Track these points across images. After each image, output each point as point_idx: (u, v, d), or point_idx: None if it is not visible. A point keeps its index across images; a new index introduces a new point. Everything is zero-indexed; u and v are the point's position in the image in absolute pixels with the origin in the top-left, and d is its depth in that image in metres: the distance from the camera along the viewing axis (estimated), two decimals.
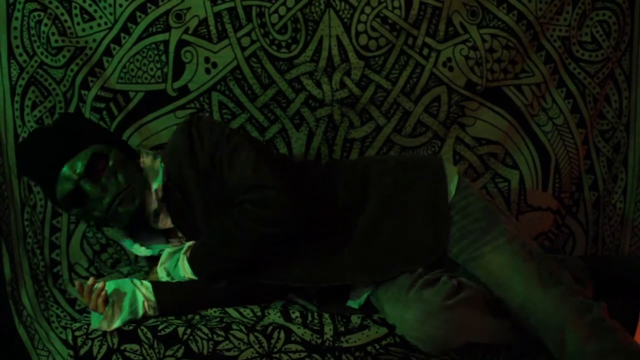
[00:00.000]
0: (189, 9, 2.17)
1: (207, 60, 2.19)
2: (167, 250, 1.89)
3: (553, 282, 1.69)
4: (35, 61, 2.20)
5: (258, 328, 1.78)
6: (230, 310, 1.83)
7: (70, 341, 1.78)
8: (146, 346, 1.76)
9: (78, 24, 2.17)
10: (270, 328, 1.78)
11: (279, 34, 2.18)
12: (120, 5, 2.16)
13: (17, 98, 2.23)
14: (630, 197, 2.39)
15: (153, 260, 1.96)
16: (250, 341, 1.77)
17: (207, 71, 2.20)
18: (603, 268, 2.02)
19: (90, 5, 2.16)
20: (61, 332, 2.33)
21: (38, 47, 2.18)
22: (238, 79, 2.21)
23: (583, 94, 2.30)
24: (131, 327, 1.76)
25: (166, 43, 2.18)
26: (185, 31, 2.18)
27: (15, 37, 2.19)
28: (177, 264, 1.85)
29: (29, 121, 2.23)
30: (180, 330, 1.76)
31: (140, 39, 2.18)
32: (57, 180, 1.79)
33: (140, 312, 1.78)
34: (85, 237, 2.34)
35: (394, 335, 1.76)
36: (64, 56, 2.18)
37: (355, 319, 1.81)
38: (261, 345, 1.77)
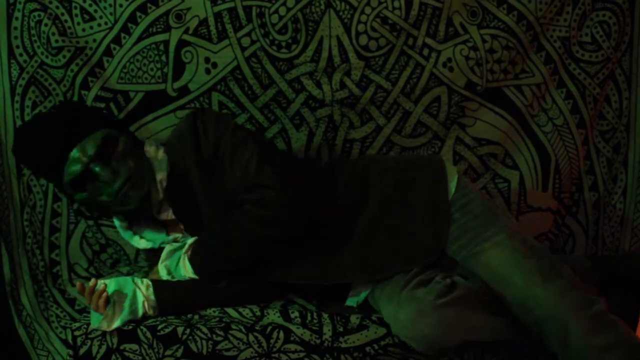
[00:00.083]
0: (189, 9, 2.17)
1: (207, 60, 2.19)
2: (168, 247, 1.89)
3: (554, 276, 1.69)
4: (36, 61, 2.20)
5: (257, 328, 1.78)
6: (230, 310, 1.83)
7: (70, 341, 1.78)
8: (145, 346, 1.76)
9: (78, 24, 2.17)
10: (269, 328, 1.78)
11: (279, 34, 2.18)
12: (121, 5, 2.16)
13: (17, 98, 2.23)
14: (630, 197, 2.39)
15: (153, 256, 1.96)
16: (250, 341, 1.77)
17: (207, 71, 2.20)
18: (603, 265, 2.02)
19: (90, 5, 2.16)
20: (61, 332, 2.33)
21: (38, 47, 2.18)
22: (238, 79, 2.21)
23: (583, 95, 2.30)
24: (130, 327, 1.76)
25: (166, 43, 2.18)
26: (186, 31, 2.18)
27: (16, 37, 2.19)
28: (178, 263, 1.86)
29: None
30: (180, 330, 1.76)
31: (140, 39, 2.18)
32: (65, 162, 1.76)
33: (140, 312, 1.78)
34: (84, 238, 2.34)
35: (392, 336, 1.76)
36: (64, 56, 2.18)
37: (354, 319, 1.81)
38: (260, 345, 1.77)
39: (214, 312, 1.83)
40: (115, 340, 1.76)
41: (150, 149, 1.88)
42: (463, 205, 1.83)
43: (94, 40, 2.18)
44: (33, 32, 2.17)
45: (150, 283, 1.80)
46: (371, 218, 1.85)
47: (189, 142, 1.83)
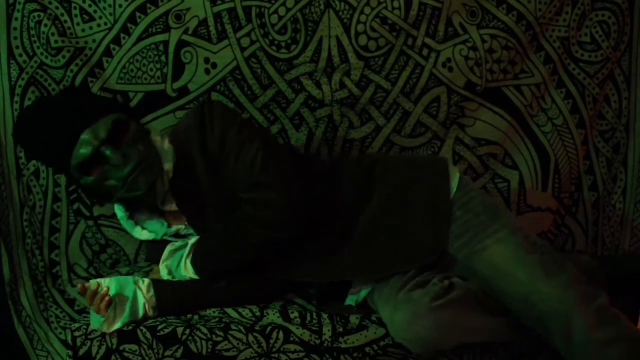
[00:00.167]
0: (188, 9, 2.17)
1: (207, 60, 2.19)
2: (170, 247, 1.89)
3: (557, 271, 1.68)
4: (35, 62, 2.20)
5: (257, 328, 1.78)
6: (230, 311, 1.83)
7: (70, 342, 1.78)
8: (145, 346, 1.76)
9: (78, 24, 2.17)
10: (269, 328, 1.78)
11: (278, 35, 2.18)
12: (120, 6, 2.16)
13: (16, 99, 2.23)
14: (630, 197, 2.39)
15: (153, 254, 1.95)
16: (249, 341, 1.77)
17: (207, 72, 2.20)
18: (604, 265, 2.02)
19: (90, 5, 2.16)
20: (60, 333, 2.33)
21: (38, 47, 2.18)
22: (238, 79, 2.21)
23: (583, 95, 2.30)
24: (130, 328, 1.76)
25: (166, 44, 2.18)
26: (185, 32, 2.18)
27: (15, 38, 2.19)
28: (179, 263, 1.86)
29: None
30: (180, 330, 1.76)
31: (140, 39, 2.18)
32: (75, 145, 1.72)
33: (141, 314, 1.78)
34: (84, 238, 2.34)
35: (392, 337, 1.76)
36: (63, 57, 2.18)
37: (354, 320, 1.81)
38: (260, 346, 1.77)
39: (214, 312, 1.83)
40: (115, 340, 1.76)
41: (157, 139, 1.85)
42: (464, 204, 1.83)
43: (94, 41, 2.18)
44: (33, 32, 2.17)
45: (151, 282, 1.80)
46: (371, 218, 1.85)
47: (195, 136, 1.81)
